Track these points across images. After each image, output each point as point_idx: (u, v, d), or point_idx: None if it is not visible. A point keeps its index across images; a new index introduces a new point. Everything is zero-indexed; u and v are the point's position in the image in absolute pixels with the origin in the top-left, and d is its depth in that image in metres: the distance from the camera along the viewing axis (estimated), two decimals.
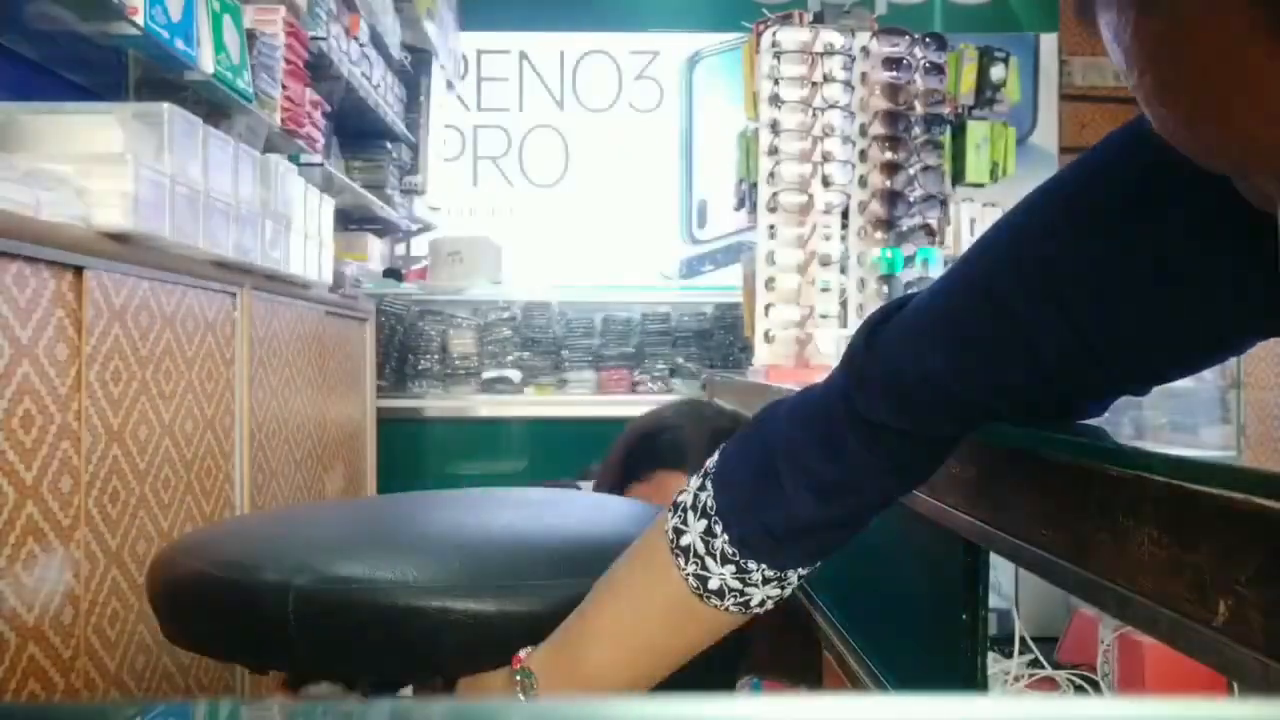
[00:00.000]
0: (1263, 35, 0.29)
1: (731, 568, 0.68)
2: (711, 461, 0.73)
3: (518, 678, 0.75)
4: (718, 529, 0.69)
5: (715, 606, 0.70)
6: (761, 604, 0.71)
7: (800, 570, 0.71)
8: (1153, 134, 0.44)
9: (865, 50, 2.23)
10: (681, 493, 0.73)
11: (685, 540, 0.70)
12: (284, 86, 2.51)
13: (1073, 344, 0.60)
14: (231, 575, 0.82)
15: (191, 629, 0.89)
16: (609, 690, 0.71)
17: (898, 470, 0.68)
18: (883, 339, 0.67)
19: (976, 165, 2.30)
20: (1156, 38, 0.33)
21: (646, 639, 0.73)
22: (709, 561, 0.69)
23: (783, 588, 0.71)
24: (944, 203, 2.27)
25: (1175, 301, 0.57)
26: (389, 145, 3.86)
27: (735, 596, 0.69)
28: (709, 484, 0.71)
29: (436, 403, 3.37)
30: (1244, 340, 0.59)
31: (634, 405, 2.53)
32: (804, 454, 0.67)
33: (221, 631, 0.86)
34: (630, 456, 1.53)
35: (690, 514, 0.70)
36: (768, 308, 2.18)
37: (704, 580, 0.69)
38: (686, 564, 0.69)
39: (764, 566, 0.69)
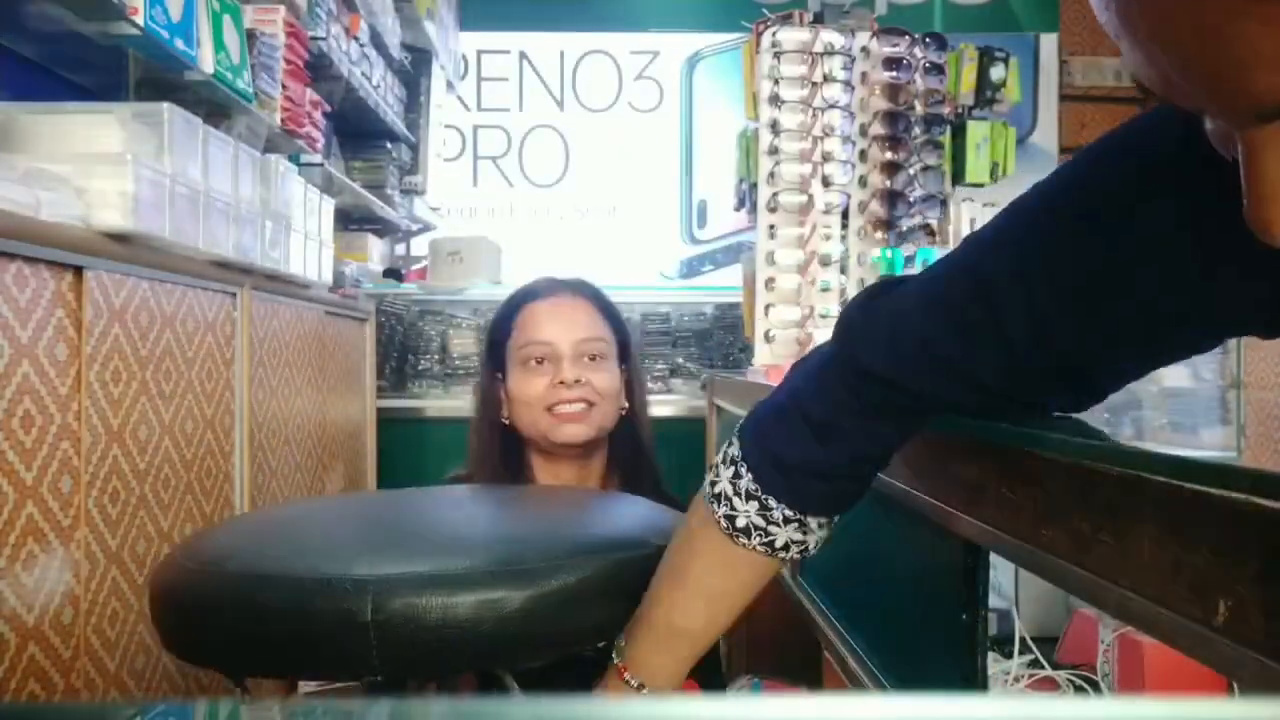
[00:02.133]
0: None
1: (755, 504, 0.75)
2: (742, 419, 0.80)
3: (614, 658, 0.83)
4: (742, 470, 0.76)
5: (744, 545, 0.76)
6: (786, 547, 0.77)
7: (819, 518, 0.77)
8: (1141, 135, 0.47)
9: (865, 50, 2.23)
10: (719, 454, 0.81)
11: (718, 488, 0.77)
12: (284, 86, 2.51)
13: (1033, 333, 0.62)
14: (248, 589, 0.81)
15: (201, 645, 0.86)
16: (690, 636, 0.80)
17: (880, 418, 0.72)
18: (883, 300, 0.71)
19: (976, 165, 2.30)
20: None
21: (702, 584, 0.80)
22: (736, 501, 0.75)
23: (804, 532, 0.77)
24: (944, 203, 2.27)
25: (1152, 296, 0.59)
26: (389, 145, 3.86)
27: (760, 535, 0.76)
28: (734, 437, 0.78)
29: (436, 403, 3.37)
30: (1214, 337, 0.63)
31: None
32: (803, 396, 0.74)
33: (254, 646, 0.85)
34: (498, 330, 1.63)
35: (720, 466, 0.78)
36: (768, 308, 2.18)
37: (732, 520, 0.76)
38: (719, 507, 0.77)
39: (783, 506, 0.74)
